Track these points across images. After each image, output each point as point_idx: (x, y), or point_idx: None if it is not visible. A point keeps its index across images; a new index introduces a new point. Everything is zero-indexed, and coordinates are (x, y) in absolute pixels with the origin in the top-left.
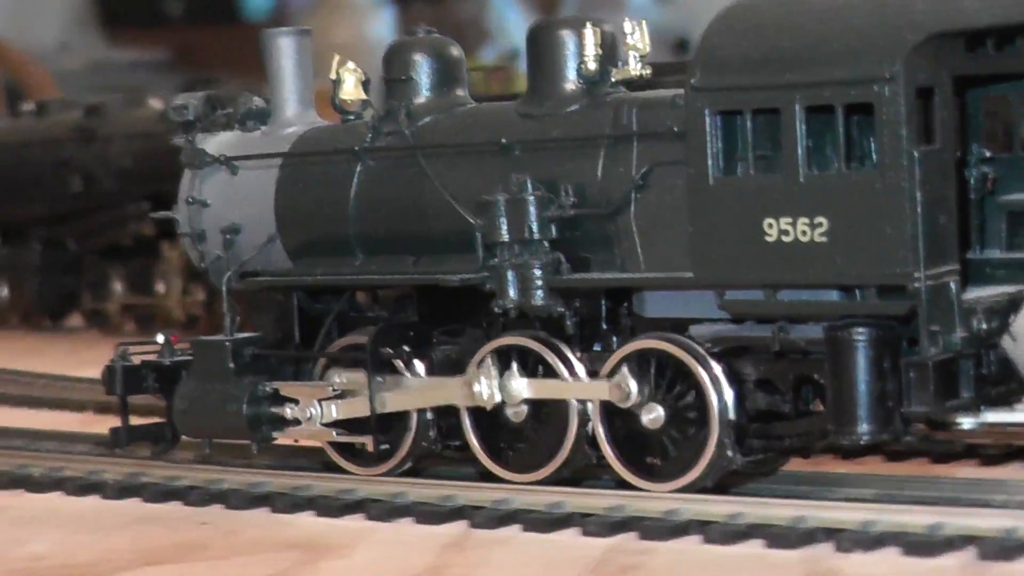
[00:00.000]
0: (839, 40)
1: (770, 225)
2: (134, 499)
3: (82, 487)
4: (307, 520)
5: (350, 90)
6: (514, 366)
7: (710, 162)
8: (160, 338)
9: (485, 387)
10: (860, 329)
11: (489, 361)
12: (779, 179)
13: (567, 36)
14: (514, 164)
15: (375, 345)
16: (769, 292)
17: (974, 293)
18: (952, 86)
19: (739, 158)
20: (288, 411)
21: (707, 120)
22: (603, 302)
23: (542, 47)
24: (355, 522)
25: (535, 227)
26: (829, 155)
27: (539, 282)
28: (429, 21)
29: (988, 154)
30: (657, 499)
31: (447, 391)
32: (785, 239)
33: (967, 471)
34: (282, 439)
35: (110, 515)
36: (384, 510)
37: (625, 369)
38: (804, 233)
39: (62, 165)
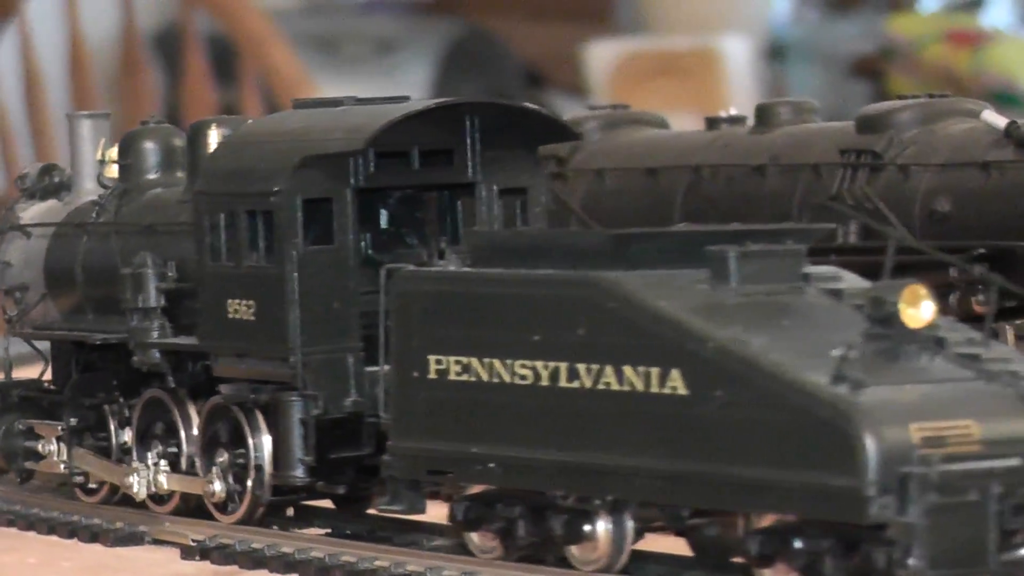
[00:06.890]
0: (263, 161)
1: (230, 303)
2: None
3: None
4: None
5: (114, 170)
6: (162, 463)
7: (205, 251)
8: None
9: (136, 483)
10: (292, 393)
11: (150, 459)
12: (233, 267)
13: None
14: (153, 243)
15: (73, 392)
16: (236, 360)
17: None
18: (356, 197)
19: (221, 250)
20: (40, 447)
21: (203, 218)
22: (199, 364)
23: (193, 143)
24: None
25: (152, 296)
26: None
27: (151, 343)
28: None
29: None
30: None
31: (112, 474)
32: (235, 316)
33: None
34: None
35: None
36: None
37: (215, 471)
38: (244, 312)
39: None
